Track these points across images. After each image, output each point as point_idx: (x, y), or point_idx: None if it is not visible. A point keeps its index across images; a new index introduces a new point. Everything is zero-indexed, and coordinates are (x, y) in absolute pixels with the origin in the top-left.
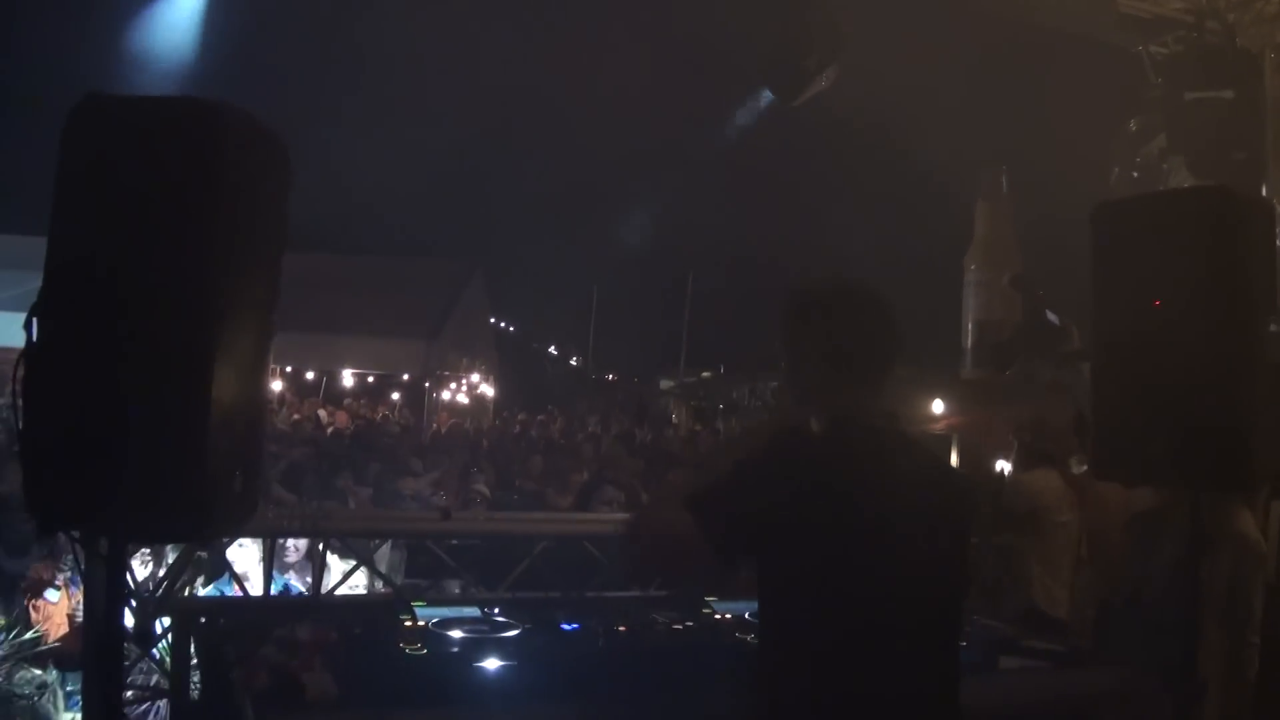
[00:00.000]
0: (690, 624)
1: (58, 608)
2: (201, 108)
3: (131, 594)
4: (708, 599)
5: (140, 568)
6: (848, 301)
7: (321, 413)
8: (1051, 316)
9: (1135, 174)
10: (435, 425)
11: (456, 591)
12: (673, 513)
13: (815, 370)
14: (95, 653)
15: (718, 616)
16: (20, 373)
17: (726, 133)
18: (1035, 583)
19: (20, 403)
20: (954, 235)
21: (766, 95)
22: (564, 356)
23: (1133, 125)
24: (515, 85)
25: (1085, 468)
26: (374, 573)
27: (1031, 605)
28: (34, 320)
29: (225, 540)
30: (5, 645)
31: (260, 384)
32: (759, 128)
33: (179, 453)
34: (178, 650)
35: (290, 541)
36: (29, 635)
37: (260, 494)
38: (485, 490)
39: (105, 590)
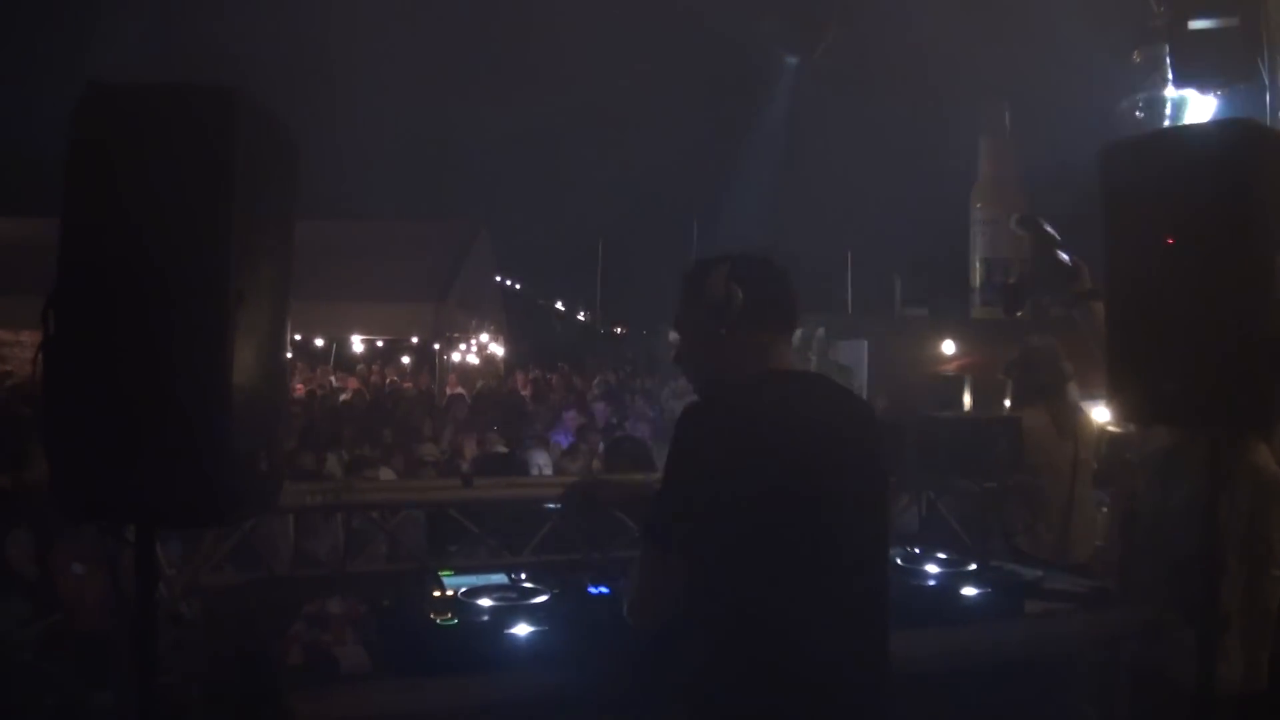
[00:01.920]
0: None
1: (86, 586)
2: (210, 93)
3: (161, 576)
4: None
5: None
6: (751, 259)
7: (333, 379)
8: (1062, 255)
9: (1139, 110)
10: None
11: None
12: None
13: (731, 328)
14: (129, 636)
15: None
16: (39, 365)
17: (731, 85)
18: (1020, 523)
19: (41, 394)
20: (960, 173)
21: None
22: (571, 312)
23: (1136, 57)
24: (514, 42)
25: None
26: (399, 544)
27: (1014, 545)
28: (50, 312)
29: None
30: (40, 625)
31: (280, 362)
32: (763, 81)
33: (202, 438)
34: (210, 629)
35: None
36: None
37: (284, 472)
38: (503, 449)
39: (136, 575)
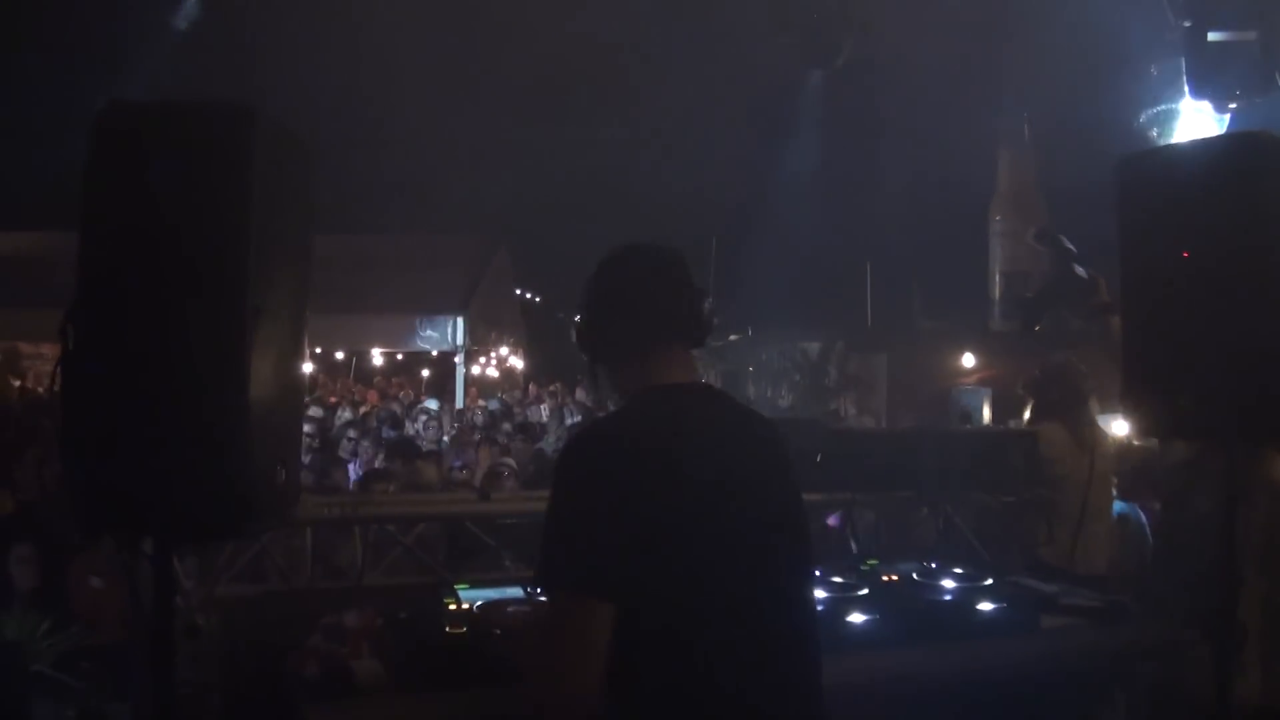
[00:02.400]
0: None
1: (104, 599)
2: (227, 111)
3: (179, 588)
4: None
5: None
6: (639, 262)
7: (353, 392)
8: (1079, 269)
9: (1155, 129)
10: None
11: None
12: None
13: (619, 336)
14: (146, 648)
15: None
16: (58, 379)
17: (748, 92)
18: (1039, 535)
19: (60, 408)
20: (980, 184)
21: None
22: None
23: (1154, 70)
24: (536, 56)
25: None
26: (418, 556)
27: (1035, 557)
28: (69, 326)
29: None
30: (59, 637)
31: (297, 376)
32: (781, 89)
33: (220, 451)
34: (227, 642)
35: None
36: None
37: (300, 484)
38: (512, 463)
39: (153, 588)
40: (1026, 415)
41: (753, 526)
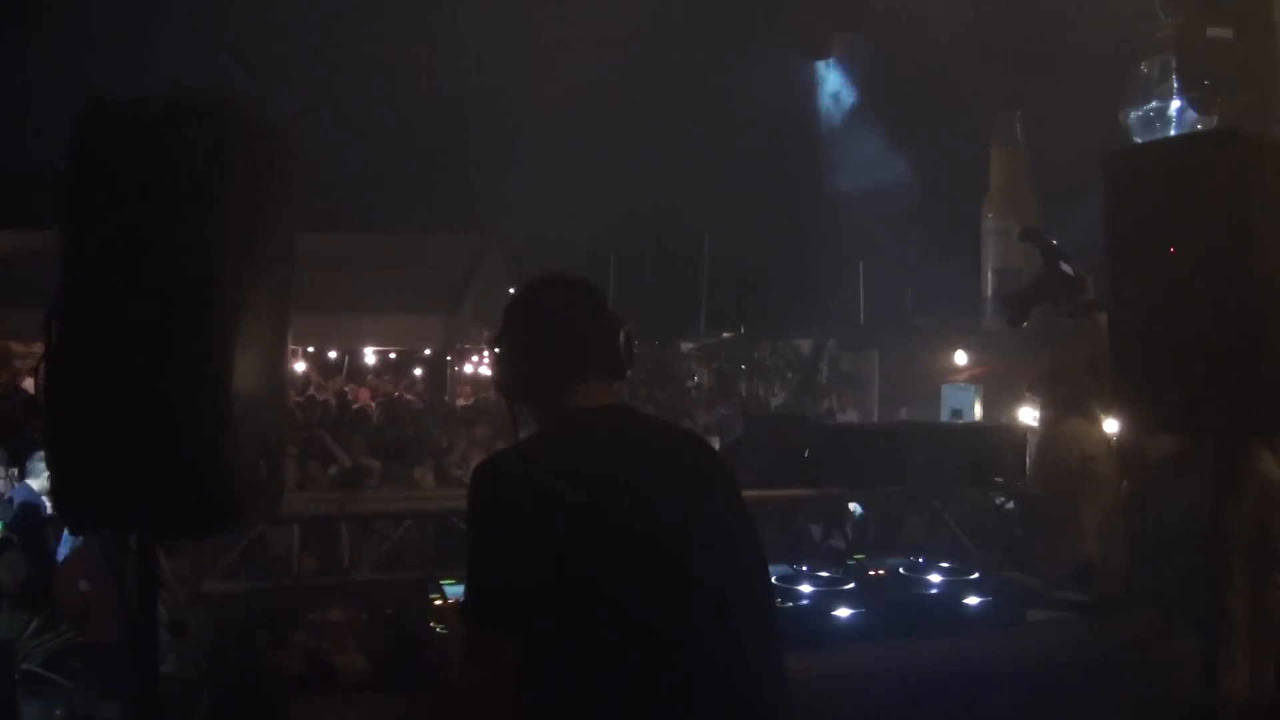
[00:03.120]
0: None
1: (94, 599)
2: (205, 106)
3: (163, 585)
4: None
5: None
6: (549, 300)
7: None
8: (1065, 266)
9: (1149, 118)
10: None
11: None
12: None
13: (532, 375)
14: (130, 645)
15: None
16: (41, 376)
17: (740, 88)
18: (1089, 534)
19: (43, 405)
20: (973, 182)
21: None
22: None
23: (1143, 67)
24: (527, 50)
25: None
26: (405, 552)
27: (1088, 557)
28: (53, 323)
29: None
30: (48, 637)
31: (280, 371)
32: (774, 83)
33: (203, 447)
34: (214, 638)
35: None
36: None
37: (284, 480)
38: None
39: (138, 584)
40: (1024, 411)
41: (671, 551)
